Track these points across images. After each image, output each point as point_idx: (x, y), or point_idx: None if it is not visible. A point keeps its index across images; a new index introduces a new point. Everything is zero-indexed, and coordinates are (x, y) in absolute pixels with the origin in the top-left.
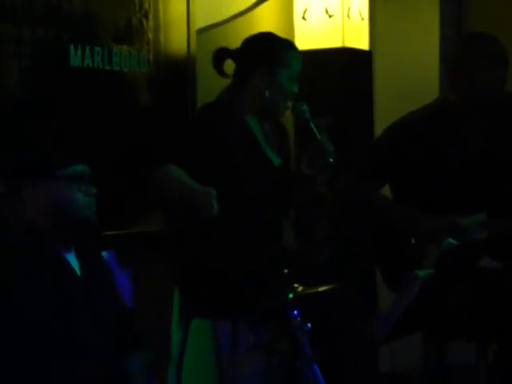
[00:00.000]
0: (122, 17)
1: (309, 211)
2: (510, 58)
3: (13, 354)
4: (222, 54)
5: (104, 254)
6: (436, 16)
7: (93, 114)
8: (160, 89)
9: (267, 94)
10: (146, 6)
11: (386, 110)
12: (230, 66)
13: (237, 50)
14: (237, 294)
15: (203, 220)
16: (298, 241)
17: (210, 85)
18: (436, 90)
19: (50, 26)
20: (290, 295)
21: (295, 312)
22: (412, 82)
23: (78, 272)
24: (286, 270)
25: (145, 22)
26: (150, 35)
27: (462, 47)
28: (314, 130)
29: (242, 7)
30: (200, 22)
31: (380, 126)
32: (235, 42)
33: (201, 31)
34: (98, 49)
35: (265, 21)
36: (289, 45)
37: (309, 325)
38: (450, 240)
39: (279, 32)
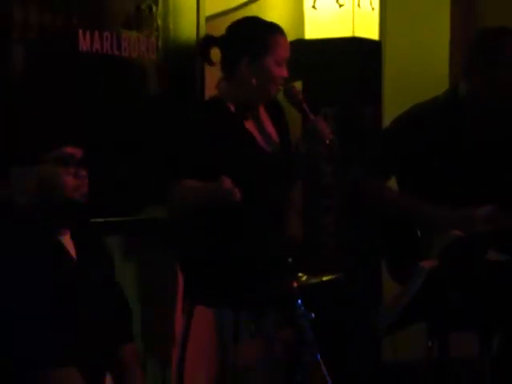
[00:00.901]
0: (132, 2)
1: (316, 202)
2: None
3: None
4: (207, 42)
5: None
6: (446, 6)
7: (101, 99)
8: (168, 75)
9: (254, 82)
10: None
11: (396, 100)
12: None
13: (221, 38)
14: (240, 283)
15: (233, 205)
16: (305, 231)
17: (219, 72)
18: (446, 80)
19: (59, 10)
20: (294, 284)
21: (299, 301)
22: (421, 72)
23: (74, 255)
24: (290, 259)
25: (154, 8)
26: (160, 21)
27: (483, 41)
28: (307, 110)
29: None
30: (210, 9)
31: (389, 116)
32: None
33: (210, 18)
34: (106, 34)
35: (275, 9)
36: (272, 29)
37: (312, 314)
38: (457, 232)
39: (289, 21)
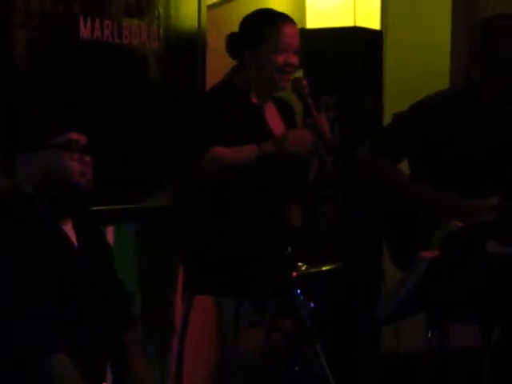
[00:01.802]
0: None
1: (317, 190)
2: None
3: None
4: (231, 39)
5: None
6: None
7: (101, 87)
8: (169, 63)
9: (258, 71)
10: None
11: (396, 90)
12: None
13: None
14: (240, 271)
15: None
16: (305, 220)
17: (220, 60)
18: (446, 70)
19: None
20: (294, 274)
21: (298, 291)
22: (422, 61)
23: (75, 243)
24: (289, 249)
25: None
26: (161, 9)
27: (490, 26)
28: (311, 105)
29: None
30: None
31: (389, 105)
32: None
33: (211, 7)
34: (107, 22)
35: None
36: (276, 17)
37: (312, 304)
38: (458, 222)
39: (290, 10)
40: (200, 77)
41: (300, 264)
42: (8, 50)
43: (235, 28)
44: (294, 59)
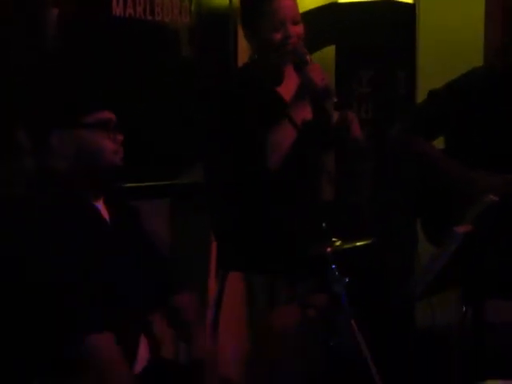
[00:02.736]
0: None
1: (351, 165)
2: None
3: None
4: None
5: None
6: None
7: (134, 64)
8: (202, 40)
9: (257, 52)
10: None
11: (429, 64)
12: None
13: None
14: (274, 248)
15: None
16: (339, 195)
17: None
18: (480, 45)
19: None
20: (328, 249)
21: (333, 266)
22: (456, 36)
23: (108, 220)
24: (324, 224)
25: None
26: None
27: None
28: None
29: None
30: None
31: (422, 80)
32: None
33: None
34: None
35: None
36: None
37: (346, 279)
38: (492, 197)
39: None
40: (232, 53)
41: (334, 239)
42: (42, 27)
43: None
44: (294, 29)
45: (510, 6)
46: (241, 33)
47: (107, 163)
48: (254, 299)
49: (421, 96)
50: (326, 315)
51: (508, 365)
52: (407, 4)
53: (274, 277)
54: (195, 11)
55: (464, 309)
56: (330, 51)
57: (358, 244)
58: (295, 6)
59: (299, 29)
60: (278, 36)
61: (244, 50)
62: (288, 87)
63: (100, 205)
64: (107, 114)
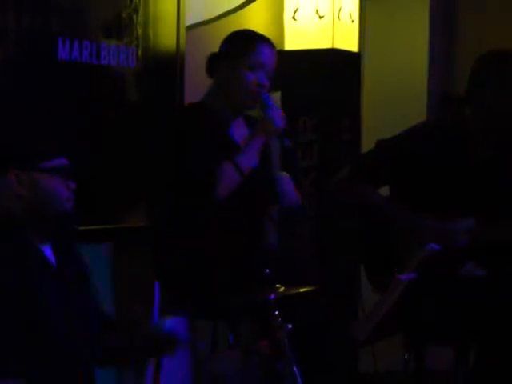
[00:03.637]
0: (112, 11)
1: (290, 220)
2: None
3: None
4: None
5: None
6: (426, 19)
7: (79, 108)
8: (148, 84)
9: (230, 86)
10: (136, 0)
11: (374, 112)
12: None
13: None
14: (217, 293)
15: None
16: (281, 240)
17: (199, 81)
18: (424, 93)
19: (38, 17)
20: (271, 296)
21: (276, 312)
22: (400, 84)
23: (54, 264)
24: (267, 270)
25: (134, 17)
26: (140, 30)
27: (488, 64)
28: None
29: (233, 5)
30: (190, 19)
31: (367, 127)
32: None
33: (190, 28)
34: (86, 43)
35: (254, 19)
36: (250, 37)
37: (289, 325)
38: (434, 245)
39: (269, 31)
40: (178, 98)
41: (278, 285)
42: None
43: (214, 49)
44: (265, 81)
45: (455, 55)
46: (188, 77)
47: (60, 209)
48: (196, 343)
49: (365, 143)
50: (267, 362)
51: None
52: (352, 53)
53: (216, 322)
54: (142, 56)
55: (406, 356)
56: (275, 98)
57: (301, 290)
58: (274, 59)
59: (268, 82)
60: (253, 76)
61: (190, 96)
62: (238, 132)
63: (48, 248)
64: (63, 161)
